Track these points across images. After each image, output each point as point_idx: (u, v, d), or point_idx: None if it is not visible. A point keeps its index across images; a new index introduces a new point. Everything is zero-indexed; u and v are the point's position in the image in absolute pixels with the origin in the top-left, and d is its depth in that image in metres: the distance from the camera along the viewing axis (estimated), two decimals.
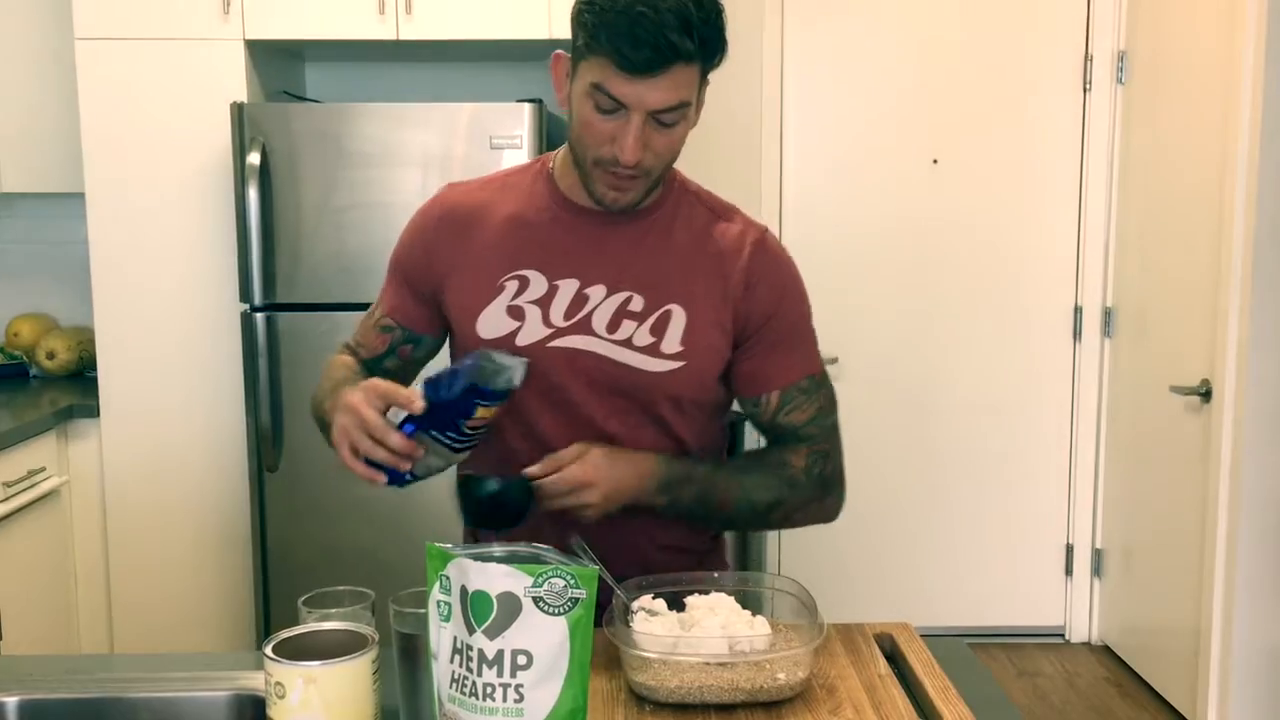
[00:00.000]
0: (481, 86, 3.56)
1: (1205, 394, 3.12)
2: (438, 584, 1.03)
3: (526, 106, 2.90)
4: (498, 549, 1.06)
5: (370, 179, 2.92)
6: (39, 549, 2.95)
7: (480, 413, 1.30)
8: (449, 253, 1.51)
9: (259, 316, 2.94)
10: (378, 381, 1.32)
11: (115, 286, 3.07)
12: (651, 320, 1.45)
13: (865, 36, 3.75)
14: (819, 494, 1.52)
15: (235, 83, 3.01)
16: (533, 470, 1.36)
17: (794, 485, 1.50)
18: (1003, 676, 3.64)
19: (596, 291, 1.45)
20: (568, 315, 1.45)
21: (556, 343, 1.45)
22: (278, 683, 1.03)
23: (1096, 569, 3.91)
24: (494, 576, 1.00)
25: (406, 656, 1.14)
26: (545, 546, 1.07)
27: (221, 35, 3.00)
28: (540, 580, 0.99)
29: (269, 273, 2.93)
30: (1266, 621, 3.00)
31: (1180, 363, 3.27)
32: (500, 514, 1.36)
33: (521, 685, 1.00)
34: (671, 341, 1.45)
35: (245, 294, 2.94)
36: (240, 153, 2.90)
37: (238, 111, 2.90)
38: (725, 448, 1.61)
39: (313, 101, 3.28)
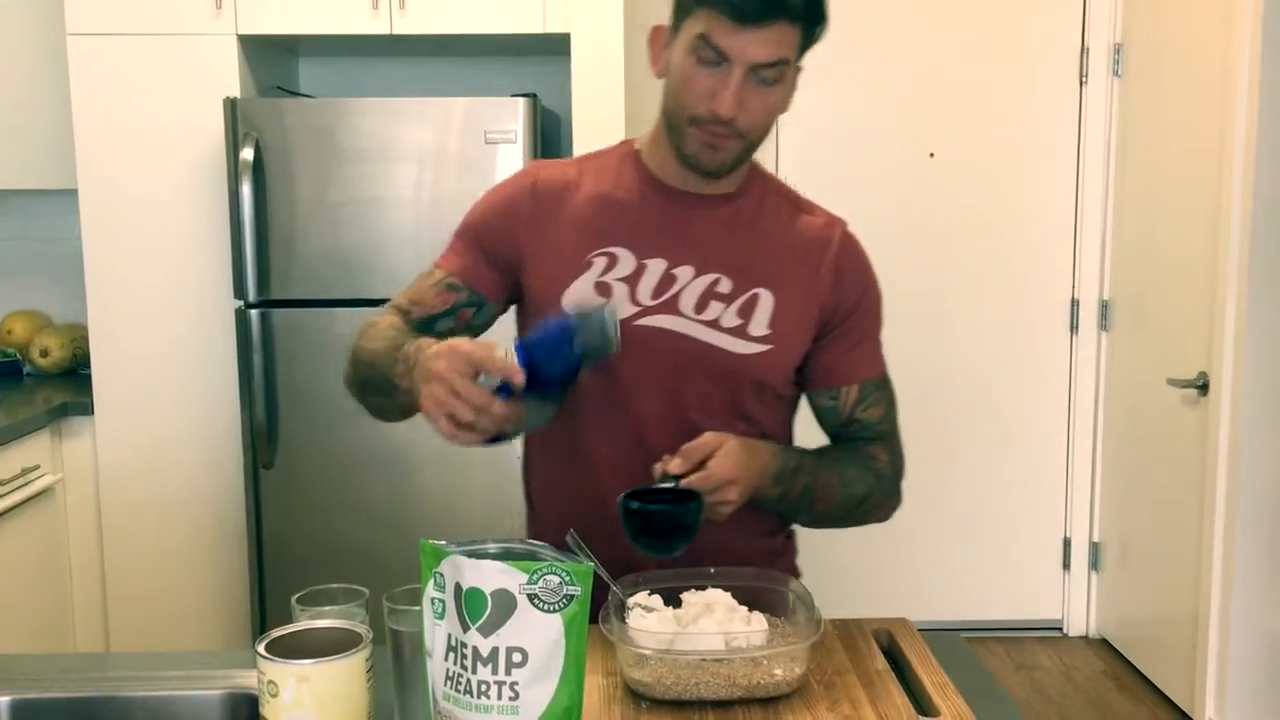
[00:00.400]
0: (476, 81, 3.55)
1: (1202, 386, 3.11)
2: (432, 581, 1.03)
3: (521, 101, 2.89)
4: (492, 545, 1.05)
5: (364, 174, 2.91)
6: (33, 547, 2.94)
7: (583, 374, 1.29)
8: (536, 225, 1.50)
9: (253, 313, 2.93)
10: (461, 344, 1.25)
11: (109, 283, 3.06)
12: (739, 303, 1.45)
13: (862, 29, 3.74)
14: (893, 490, 1.54)
15: (228, 78, 3.00)
16: (676, 465, 1.32)
17: (880, 479, 1.51)
18: (1001, 670, 3.64)
19: (684, 272, 1.45)
20: (655, 294, 1.45)
21: (643, 321, 1.44)
22: (270, 681, 1.03)
23: (1094, 562, 3.91)
24: (488, 573, 0.99)
25: (401, 654, 1.14)
26: (540, 543, 1.06)
27: (214, 30, 2.99)
28: (535, 577, 0.99)
29: (263, 269, 2.92)
30: (1263, 614, 3.00)
31: (1177, 355, 3.26)
32: (676, 535, 1.30)
33: (516, 683, 0.99)
34: (759, 324, 1.45)
35: (239, 290, 2.93)
36: (234, 148, 2.89)
37: (231, 107, 2.89)
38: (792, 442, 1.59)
39: (306, 97, 3.26)
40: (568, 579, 0.99)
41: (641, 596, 1.31)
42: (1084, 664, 3.72)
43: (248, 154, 2.85)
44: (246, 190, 2.85)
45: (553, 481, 1.56)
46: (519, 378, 1.24)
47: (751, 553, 1.50)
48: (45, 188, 3.24)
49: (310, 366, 2.96)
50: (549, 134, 3.19)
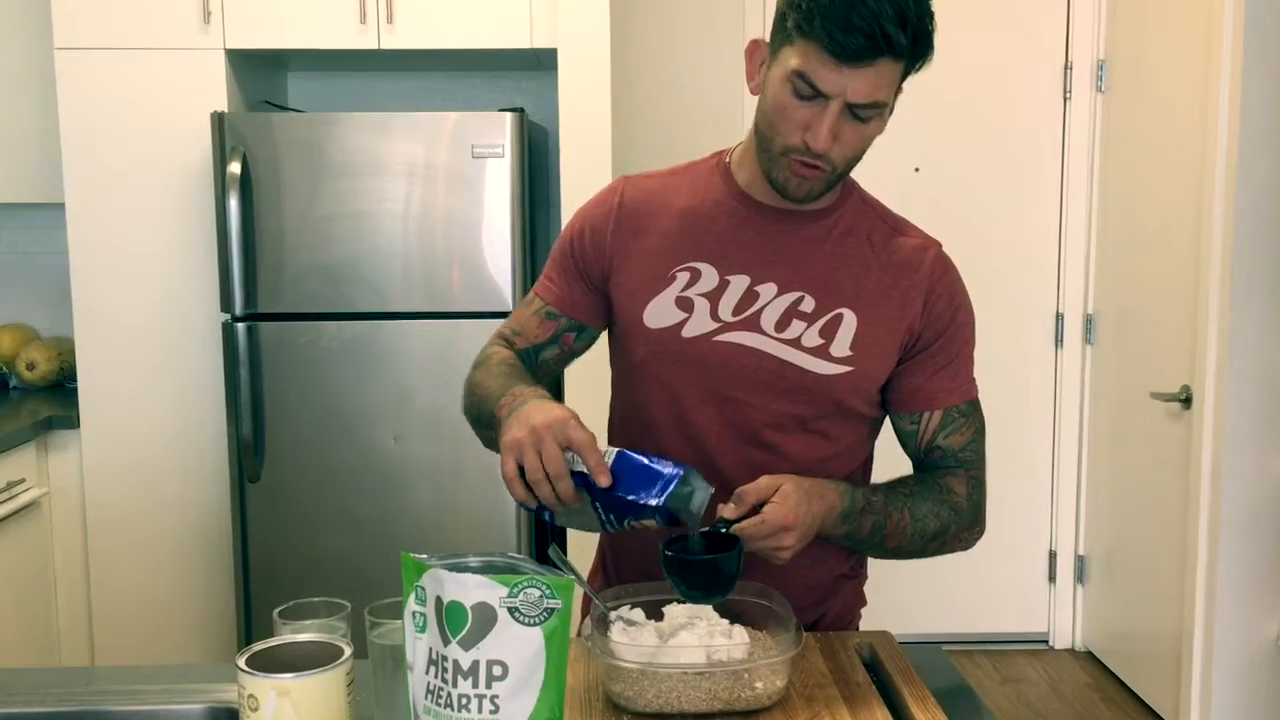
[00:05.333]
0: (464, 96, 3.56)
1: (1186, 400, 3.13)
2: (413, 595, 1.03)
3: (509, 116, 2.90)
4: (473, 559, 1.06)
5: (352, 188, 2.92)
6: (18, 561, 2.93)
7: (648, 523, 1.26)
8: (623, 241, 1.49)
9: (240, 326, 2.93)
10: (572, 423, 1.25)
11: (95, 297, 3.06)
12: (822, 322, 1.43)
13: None
14: (972, 522, 1.50)
15: (216, 92, 3.01)
16: (729, 510, 1.29)
17: (957, 512, 1.47)
18: (987, 683, 3.64)
19: (767, 289, 1.44)
20: (736, 311, 1.44)
21: (722, 337, 1.43)
22: (250, 695, 1.03)
23: (1079, 575, 3.92)
24: (469, 587, 1.00)
25: (382, 667, 1.14)
26: (521, 556, 1.07)
27: (202, 45, 3.00)
28: (515, 590, 0.99)
29: (250, 283, 2.92)
30: (1248, 626, 3.01)
31: (1161, 369, 3.28)
32: (715, 583, 1.27)
33: (497, 696, 1.00)
34: (841, 345, 1.43)
35: (226, 304, 2.93)
36: (221, 162, 2.89)
37: (219, 121, 2.89)
38: (871, 465, 1.58)
39: (294, 111, 3.27)
40: (548, 592, 0.99)
41: (623, 610, 1.31)
42: (1069, 677, 3.72)
43: (235, 168, 2.86)
44: (234, 204, 2.86)
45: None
46: (604, 480, 1.23)
47: (821, 578, 1.51)
48: (32, 201, 3.24)
49: (297, 380, 2.96)
50: (537, 149, 3.21)
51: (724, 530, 1.28)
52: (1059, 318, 3.86)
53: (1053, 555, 3.95)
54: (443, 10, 3.01)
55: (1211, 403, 3.00)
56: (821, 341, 1.43)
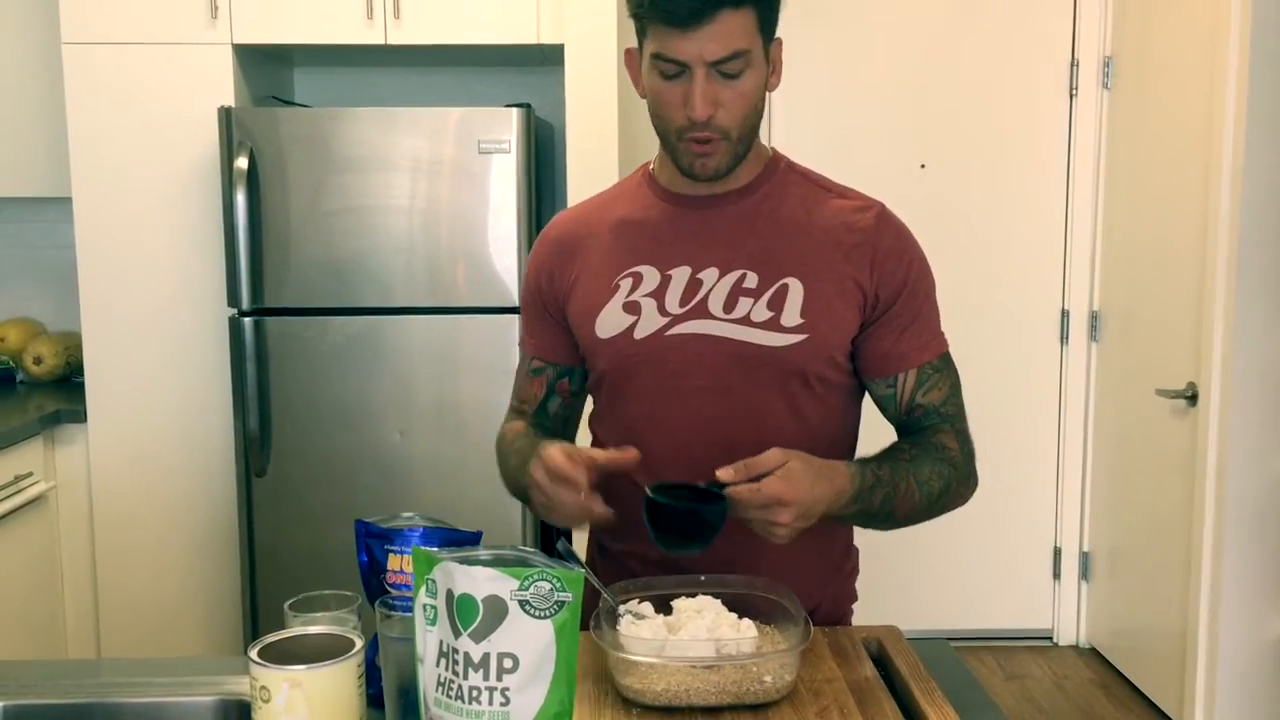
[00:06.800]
0: (470, 91, 3.56)
1: (1191, 397, 3.13)
2: (424, 587, 1.03)
3: (515, 111, 2.90)
4: (484, 552, 1.06)
5: (359, 183, 2.92)
6: (26, 554, 2.94)
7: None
8: (568, 270, 1.52)
9: (247, 321, 2.94)
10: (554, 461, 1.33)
11: (103, 291, 3.07)
12: (768, 295, 1.43)
13: (853, 42, 3.76)
14: (967, 475, 1.50)
15: (223, 87, 3.01)
16: (725, 473, 1.29)
17: (955, 467, 1.48)
18: (991, 679, 3.65)
19: (709, 274, 1.45)
20: (683, 302, 1.45)
21: (675, 330, 1.45)
22: (263, 686, 1.03)
23: (1084, 572, 3.92)
24: (479, 580, 1.00)
25: (393, 661, 1.14)
26: (531, 549, 1.07)
27: (209, 40, 3.00)
28: (526, 583, 1.00)
29: (257, 277, 2.93)
30: (1252, 623, 3.01)
31: (1166, 366, 3.28)
32: (693, 534, 1.30)
33: (508, 688, 1.00)
34: (791, 314, 1.43)
35: (233, 298, 2.93)
36: (228, 157, 2.89)
37: (225, 116, 2.90)
38: (856, 435, 1.57)
39: (301, 106, 3.28)
40: (559, 585, 1.00)
41: (632, 603, 1.32)
42: (1074, 673, 3.73)
43: (242, 163, 2.86)
44: (241, 199, 2.86)
45: (614, 494, 1.41)
46: (599, 512, 1.34)
47: (814, 568, 1.52)
48: (40, 195, 3.25)
49: (303, 374, 2.96)
50: (543, 144, 3.21)
51: (707, 487, 1.29)
52: (1064, 314, 3.85)
53: (1057, 551, 3.95)
54: (449, 6, 3.02)
55: (1217, 400, 3.00)
56: (771, 314, 1.43)
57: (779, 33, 1.43)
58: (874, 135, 3.76)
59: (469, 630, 1.00)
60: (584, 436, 1.58)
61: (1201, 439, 3.06)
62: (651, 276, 1.46)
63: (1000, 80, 3.78)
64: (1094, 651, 3.88)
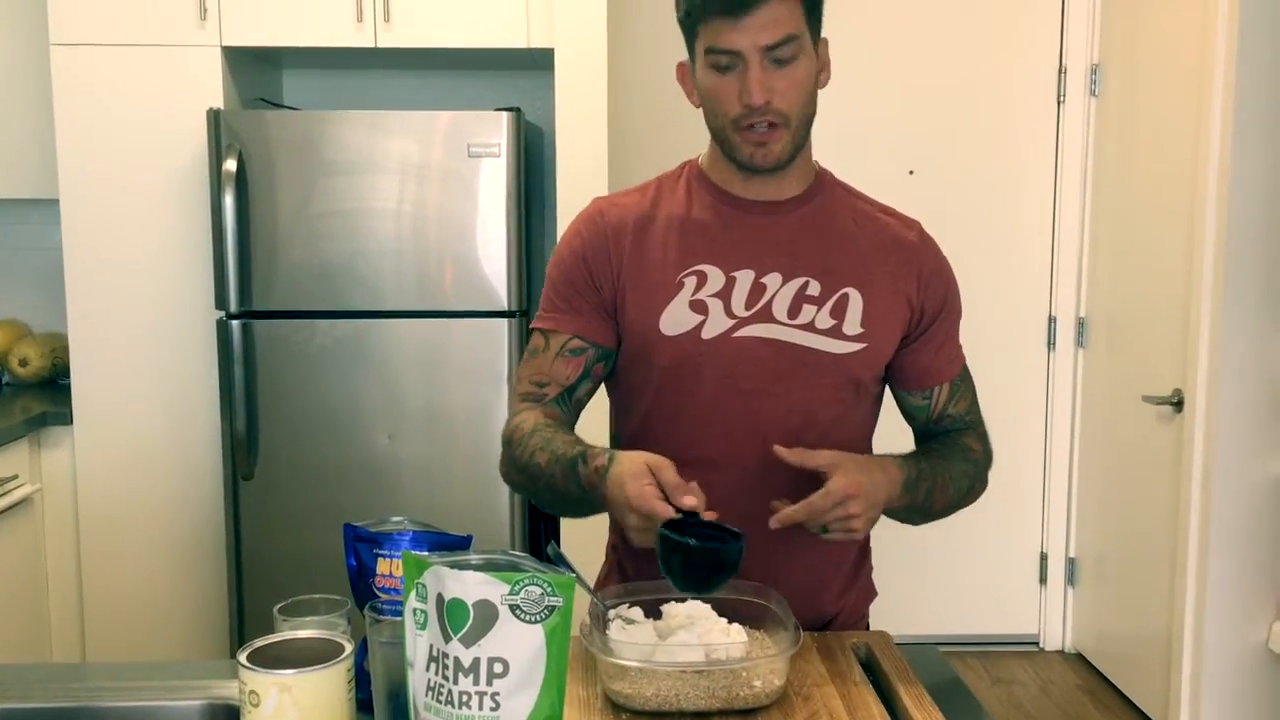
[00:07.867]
0: (460, 95, 3.56)
1: (1177, 404, 3.14)
2: (414, 592, 1.03)
3: (505, 115, 2.90)
4: (474, 557, 1.06)
5: (348, 186, 2.92)
6: (10, 557, 2.93)
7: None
8: (624, 257, 1.49)
9: (234, 324, 2.93)
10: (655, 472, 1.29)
11: (89, 293, 3.05)
12: (830, 303, 1.47)
13: (842, 49, 3.75)
14: (984, 476, 1.57)
15: (212, 89, 3.00)
16: (784, 454, 1.36)
17: (978, 467, 1.55)
18: (978, 685, 3.65)
19: (773, 279, 1.47)
20: (749, 304, 1.46)
21: (741, 332, 1.46)
22: (252, 691, 1.03)
23: (1070, 577, 3.93)
24: (470, 584, 1.00)
25: (382, 664, 1.14)
26: (522, 554, 1.07)
27: (198, 42, 2.99)
28: (517, 588, 0.99)
29: (245, 280, 2.92)
30: (1237, 629, 3.02)
31: (1152, 373, 3.30)
32: (714, 574, 1.24)
33: (498, 693, 1.00)
34: (852, 323, 1.47)
35: (221, 301, 2.93)
36: (217, 159, 2.89)
37: (214, 118, 2.89)
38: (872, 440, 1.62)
39: (290, 109, 3.27)
40: (549, 590, 1.00)
41: (622, 608, 1.32)
42: (1060, 678, 3.74)
43: (230, 165, 2.85)
44: (229, 201, 2.85)
45: None
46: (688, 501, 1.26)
47: (833, 574, 1.55)
48: (26, 197, 3.23)
49: (291, 378, 2.96)
50: (532, 148, 3.21)
51: (718, 524, 1.25)
52: (1051, 321, 3.87)
53: (1044, 557, 3.96)
54: (440, 9, 3.02)
55: (1203, 406, 3.02)
56: (834, 322, 1.47)
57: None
58: (862, 141, 3.77)
59: (459, 635, 0.99)
60: (584, 433, 1.53)
61: (1187, 445, 3.08)
62: (715, 277, 1.47)
63: (988, 87, 3.80)
64: (1080, 657, 3.89)
